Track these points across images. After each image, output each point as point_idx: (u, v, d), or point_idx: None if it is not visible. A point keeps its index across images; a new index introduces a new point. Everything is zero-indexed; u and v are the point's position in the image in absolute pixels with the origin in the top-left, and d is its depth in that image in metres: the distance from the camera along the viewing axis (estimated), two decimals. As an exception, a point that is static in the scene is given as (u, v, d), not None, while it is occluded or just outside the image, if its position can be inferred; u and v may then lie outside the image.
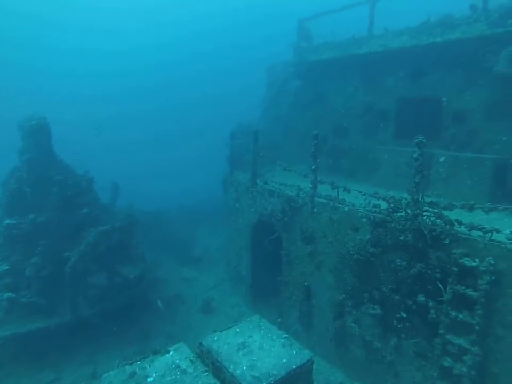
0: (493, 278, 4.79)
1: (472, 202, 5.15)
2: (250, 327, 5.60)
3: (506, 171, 7.48)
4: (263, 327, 5.59)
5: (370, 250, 6.17)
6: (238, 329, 5.50)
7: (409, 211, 5.31)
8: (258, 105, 14.79)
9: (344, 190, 6.77)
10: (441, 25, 8.39)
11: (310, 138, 7.02)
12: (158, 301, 8.44)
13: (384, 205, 6.10)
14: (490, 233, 4.91)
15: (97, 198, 10.28)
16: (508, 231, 4.86)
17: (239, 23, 54.48)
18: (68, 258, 8.06)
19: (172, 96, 52.08)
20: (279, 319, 6.54)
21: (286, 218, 7.92)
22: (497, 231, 4.88)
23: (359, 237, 6.38)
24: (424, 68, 9.00)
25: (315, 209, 7.22)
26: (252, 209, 9.34)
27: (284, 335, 5.32)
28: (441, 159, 7.94)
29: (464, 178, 7.63)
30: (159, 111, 50.99)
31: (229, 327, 5.57)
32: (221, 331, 5.40)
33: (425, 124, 8.80)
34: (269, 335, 5.36)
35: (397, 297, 6.04)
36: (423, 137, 5.06)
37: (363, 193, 6.44)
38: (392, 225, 5.49)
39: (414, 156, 5.14)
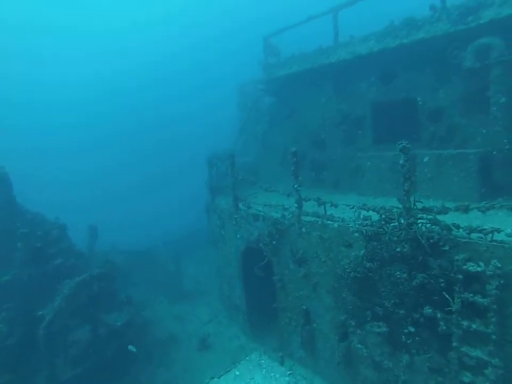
0: (502, 281, 4.46)
1: (467, 203, 4.86)
2: (251, 367, 5.11)
3: (491, 164, 7.31)
4: (264, 366, 5.11)
5: (367, 265, 5.79)
6: (237, 372, 5.01)
7: (402, 221, 4.96)
8: (229, 123, 14.57)
9: (331, 205, 6.42)
10: (405, 26, 8.34)
11: (289, 155, 6.71)
12: (130, 346, 7.64)
13: (375, 216, 5.76)
14: (491, 234, 4.60)
15: (72, 245, 9.58)
16: (509, 230, 4.55)
17: (205, 40, 55.05)
18: (42, 318, 7.23)
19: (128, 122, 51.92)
20: (281, 353, 6.03)
21: (274, 242, 7.50)
22: (498, 230, 4.57)
23: (353, 253, 5.99)
24: (395, 70, 8.91)
25: (303, 229, 6.84)
26: (238, 236, 8.89)
27: (288, 372, 4.84)
28: (425, 159, 7.71)
29: (450, 176, 7.41)
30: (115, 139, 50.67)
31: (228, 371, 5.07)
32: (219, 377, 4.86)
33: (403, 126, 8.67)
34: (272, 374, 4.89)
35: (402, 311, 5.66)
36: (406, 142, 4.77)
37: (351, 206, 6.09)
38: (387, 237, 5.12)
39: (400, 162, 4.84)
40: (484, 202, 4.79)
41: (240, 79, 14.78)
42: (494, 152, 7.23)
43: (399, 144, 4.84)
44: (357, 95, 9.88)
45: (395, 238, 5.10)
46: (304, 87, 11.24)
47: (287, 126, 12.11)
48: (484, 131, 7.62)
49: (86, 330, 8.12)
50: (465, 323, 4.83)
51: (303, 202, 6.88)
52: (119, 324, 8.40)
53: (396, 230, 5.06)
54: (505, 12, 6.86)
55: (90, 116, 53.20)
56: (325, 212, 6.58)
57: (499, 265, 4.46)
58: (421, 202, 5.08)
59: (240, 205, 8.69)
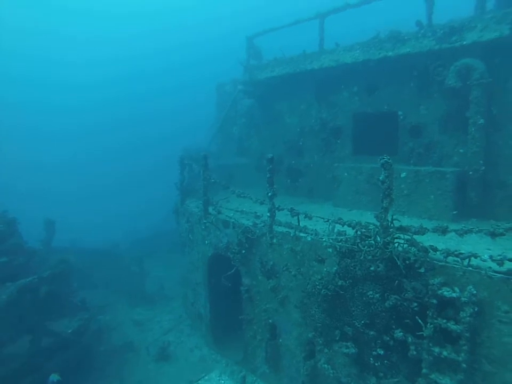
0: (476, 308, 4.29)
1: (445, 225, 4.66)
2: (209, 388, 4.65)
3: (466, 184, 7.28)
4: (223, 387, 4.66)
5: (339, 283, 5.51)
6: (193, 394, 4.53)
7: (378, 239, 4.70)
8: (206, 123, 14.09)
9: (305, 217, 6.10)
10: (391, 39, 8.22)
11: (265, 161, 6.37)
12: (52, 375, 6.29)
13: (350, 231, 5.49)
14: (468, 259, 4.41)
15: (22, 243, 8.68)
16: (486, 256, 4.37)
17: (188, 42, 54.30)
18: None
19: (112, 114, 50.39)
20: (242, 373, 5.64)
21: (243, 251, 7.11)
22: (475, 256, 4.39)
23: (325, 269, 5.70)
24: (378, 82, 8.79)
25: (274, 240, 6.49)
26: (206, 242, 8.45)
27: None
28: (402, 174, 7.59)
29: (427, 193, 7.32)
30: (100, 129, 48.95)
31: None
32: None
33: (382, 139, 8.57)
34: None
35: (372, 332, 5.41)
36: (388, 157, 4.52)
37: (326, 219, 5.80)
38: (362, 256, 4.85)
39: (381, 178, 4.58)
40: (462, 225, 4.59)
41: (220, 79, 14.32)
42: (470, 173, 7.19)
43: (380, 159, 4.59)
44: (338, 104, 9.70)
45: (370, 257, 4.83)
46: (285, 91, 10.98)
47: (265, 130, 11.81)
48: (461, 151, 7.59)
49: (25, 341, 7.15)
50: (436, 349, 4.63)
51: (276, 211, 6.55)
52: (69, 331, 7.61)
53: (372, 248, 4.79)
54: (487, 36, 6.88)
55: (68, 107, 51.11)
56: (298, 223, 6.26)
57: (474, 291, 4.28)
58: (399, 220, 4.85)
59: (211, 210, 8.25)
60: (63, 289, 8.10)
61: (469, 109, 7.14)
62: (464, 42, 7.14)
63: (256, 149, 12.06)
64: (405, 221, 5.91)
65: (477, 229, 4.47)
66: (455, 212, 6.96)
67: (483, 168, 7.09)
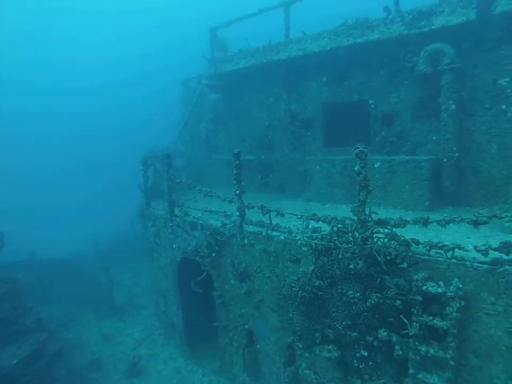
0: (463, 303, 4.01)
1: (426, 216, 4.34)
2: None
3: (441, 172, 7.11)
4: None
5: (317, 283, 5.12)
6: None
7: (357, 234, 4.33)
8: (176, 126, 13.38)
9: (277, 214, 5.67)
10: (359, 26, 7.94)
11: (232, 157, 5.88)
12: None
13: (325, 227, 5.11)
14: (452, 251, 4.12)
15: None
16: (470, 246, 4.10)
17: (148, 32, 52.46)
18: None
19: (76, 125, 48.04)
20: (221, 383, 5.17)
21: (213, 254, 6.60)
22: (459, 247, 4.10)
23: (301, 269, 5.30)
24: (348, 71, 8.49)
25: (246, 241, 6.02)
26: (174, 246, 7.87)
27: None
28: (376, 164, 7.33)
29: (402, 183, 7.10)
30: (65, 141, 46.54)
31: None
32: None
33: (354, 130, 8.29)
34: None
35: (354, 334, 5.08)
36: (363, 146, 4.15)
37: (299, 215, 5.39)
38: (339, 254, 4.46)
39: (356, 169, 4.21)
40: (444, 215, 4.30)
41: (183, 73, 13.63)
42: (445, 160, 7.01)
43: (355, 149, 4.22)
44: (307, 95, 9.35)
45: (348, 254, 4.45)
46: (252, 84, 10.53)
47: (233, 125, 11.33)
48: (434, 138, 7.41)
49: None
50: (423, 348, 4.35)
51: (247, 209, 6.09)
52: (14, 362, 6.61)
53: (350, 244, 4.41)
54: (455, 21, 6.73)
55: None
56: (270, 221, 5.82)
57: (460, 285, 4.00)
58: (377, 213, 4.51)
59: (177, 211, 7.68)
60: (9, 312, 7.17)
61: (441, 95, 6.96)
62: (433, 27, 6.98)
63: (225, 145, 11.56)
64: (381, 213, 5.60)
65: (459, 219, 4.19)
66: (427, 203, 6.79)
67: (457, 155, 6.93)
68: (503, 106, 6.73)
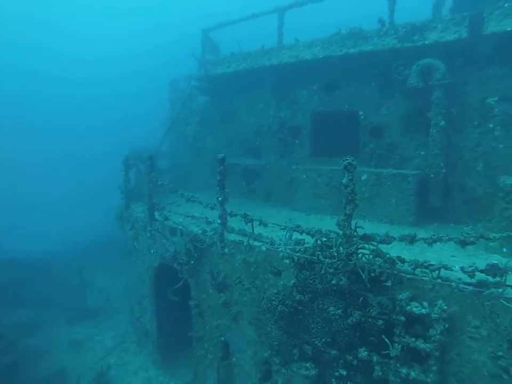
0: (447, 325, 3.86)
1: (413, 233, 4.19)
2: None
3: (428, 187, 7.04)
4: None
5: (297, 297, 4.91)
6: None
7: (341, 249, 4.14)
8: (163, 127, 13.05)
9: (260, 224, 5.45)
10: (352, 36, 7.86)
11: (216, 162, 5.65)
12: None
13: (309, 239, 4.92)
14: (438, 271, 3.97)
15: None
16: (457, 267, 3.96)
17: (138, 31, 51.75)
18: None
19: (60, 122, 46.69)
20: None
21: (192, 262, 6.32)
22: (446, 267, 3.96)
23: (282, 282, 5.08)
24: (339, 80, 8.41)
25: (226, 250, 5.78)
26: (152, 251, 7.56)
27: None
28: (363, 177, 7.21)
29: (388, 197, 7.00)
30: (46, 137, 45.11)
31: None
32: None
33: (343, 140, 8.18)
34: None
35: (334, 352, 4.87)
36: (351, 158, 3.99)
37: (283, 226, 5.19)
38: (322, 270, 4.26)
39: (344, 181, 4.03)
40: (431, 233, 4.17)
41: (174, 73, 13.34)
42: (432, 175, 6.95)
43: (343, 160, 4.05)
44: (297, 103, 9.23)
45: (331, 269, 4.26)
46: (242, 89, 10.36)
47: (220, 129, 11.12)
48: (422, 153, 7.36)
49: None
50: (404, 370, 4.17)
51: (229, 217, 5.85)
52: None
53: (333, 260, 4.22)
54: (447, 37, 6.73)
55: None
56: (253, 230, 5.59)
57: (445, 307, 3.84)
58: (362, 228, 4.34)
59: (157, 215, 7.38)
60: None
61: (430, 110, 6.92)
62: (426, 42, 6.97)
63: (211, 148, 11.33)
64: (367, 226, 5.50)
65: (446, 238, 4.05)
66: (413, 218, 6.72)
67: (444, 170, 6.88)
68: (491, 125, 6.74)
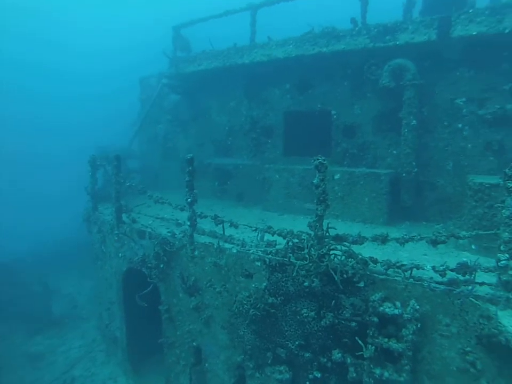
0: (419, 325, 3.84)
1: (386, 233, 4.14)
2: None
3: (399, 186, 7.09)
4: None
5: (269, 300, 4.78)
6: None
7: (313, 251, 4.03)
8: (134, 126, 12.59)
9: (230, 225, 5.28)
10: (325, 35, 7.81)
11: (184, 162, 5.43)
12: None
13: (280, 240, 4.79)
14: (410, 271, 3.93)
15: None
16: (429, 266, 3.94)
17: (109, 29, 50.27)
18: None
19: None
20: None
21: (161, 265, 6.06)
22: (418, 267, 3.93)
23: (253, 285, 4.92)
24: (312, 79, 8.36)
25: (196, 253, 5.56)
26: (120, 255, 7.23)
27: None
28: (336, 176, 7.17)
29: (361, 196, 6.99)
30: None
31: None
32: None
33: (315, 139, 8.14)
34: None
35: (308, 354, 4.78)
36: (323, 157, 3.88)
37: (254, 227, 5.04)
38: (294, 272, 4.14)
39: (315, 182, 3.92)
40: (403, 233, 4.13)
41: (147, 72, 12.89)
42: (404, 174, 7.00)
43: (314, 160, 3.94)
44: (269, 102, 9.12)
45: (303, 271, 4.14)
46: (214, 87, 10.16)
47: (192, 128, 10.86)
48: (394, 152, 7.41)
49: None
50: (377, 371, 4.14)
51: (200, 218, 5.65)
52: None
53: (305, 261, 4.11)
54: (417, 39, 6.81)
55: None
56: (223, 232, 5.41)
57: (417, 307, 3.82)
58: (335, 229, 4.25)
59: (125, 218, 7.06)
60: None
61: (402, 110, 6.97)
62: (397, 42, 7.01)
63: (183, 149, 11.04)
64: (339, 226, 5.44)
65: (418, 237, 4.02)
66: (385, 216, 6.75)
67: (415, 170, 6.95)
68: (459, 125, 6.86)
